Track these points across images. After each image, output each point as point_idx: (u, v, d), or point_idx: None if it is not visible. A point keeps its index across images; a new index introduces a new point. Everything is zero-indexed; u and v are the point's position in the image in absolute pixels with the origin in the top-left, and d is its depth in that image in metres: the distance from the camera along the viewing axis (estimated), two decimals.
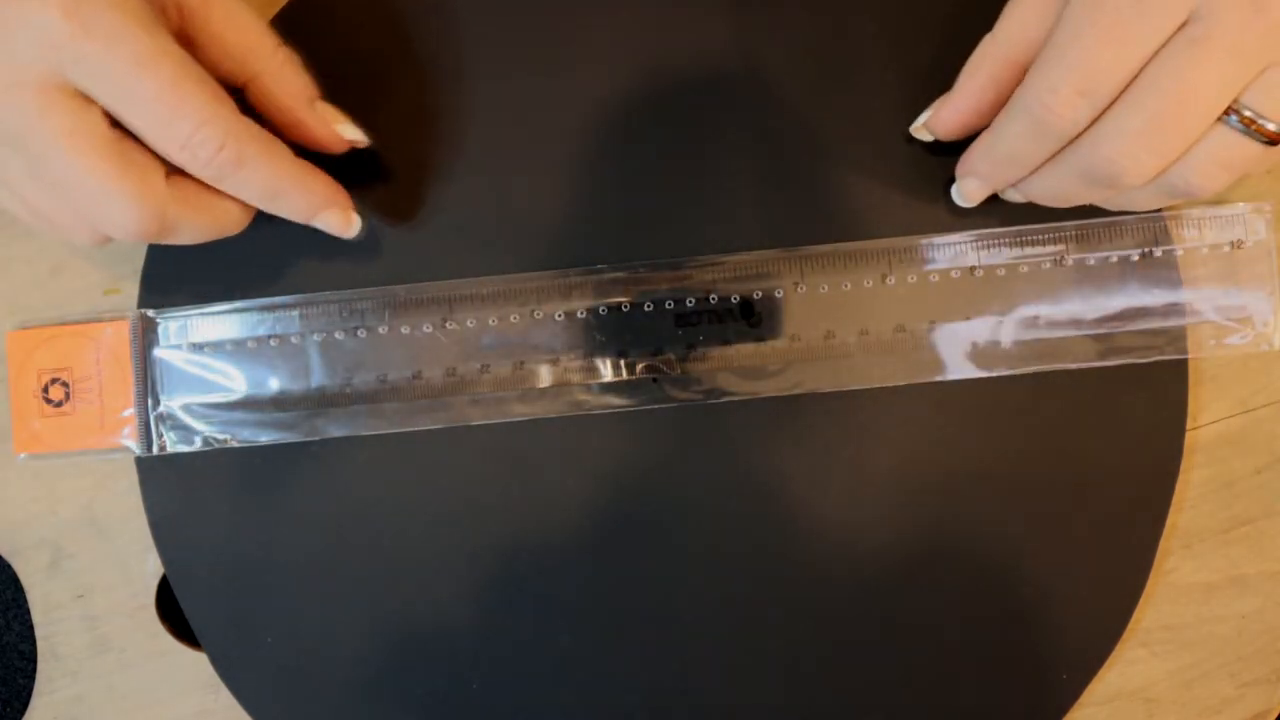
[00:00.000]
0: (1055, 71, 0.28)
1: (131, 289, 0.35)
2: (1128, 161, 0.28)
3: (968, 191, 0.33)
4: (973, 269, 0.34)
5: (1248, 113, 0.27)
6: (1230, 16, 0.26)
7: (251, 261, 0.35)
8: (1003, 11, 0.30)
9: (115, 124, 0.28)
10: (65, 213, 0.29)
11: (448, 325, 0.34)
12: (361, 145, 0.33)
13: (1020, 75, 0.30)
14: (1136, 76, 0.27)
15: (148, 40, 0.27)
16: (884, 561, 0.34)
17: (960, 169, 0.33)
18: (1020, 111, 0.29)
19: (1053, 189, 0.31)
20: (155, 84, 0.27)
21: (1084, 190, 0.30)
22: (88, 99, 0.27)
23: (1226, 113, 0.27)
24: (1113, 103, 0.28)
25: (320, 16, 0.35)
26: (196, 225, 0.30)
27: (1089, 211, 0.34)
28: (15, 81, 0.26)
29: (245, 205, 0.31)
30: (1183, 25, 0.27)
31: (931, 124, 0.33)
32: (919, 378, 0.34)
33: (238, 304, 0.34)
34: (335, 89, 0.35)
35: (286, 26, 0.35)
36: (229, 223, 0.31)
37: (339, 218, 0.32)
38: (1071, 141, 0.29)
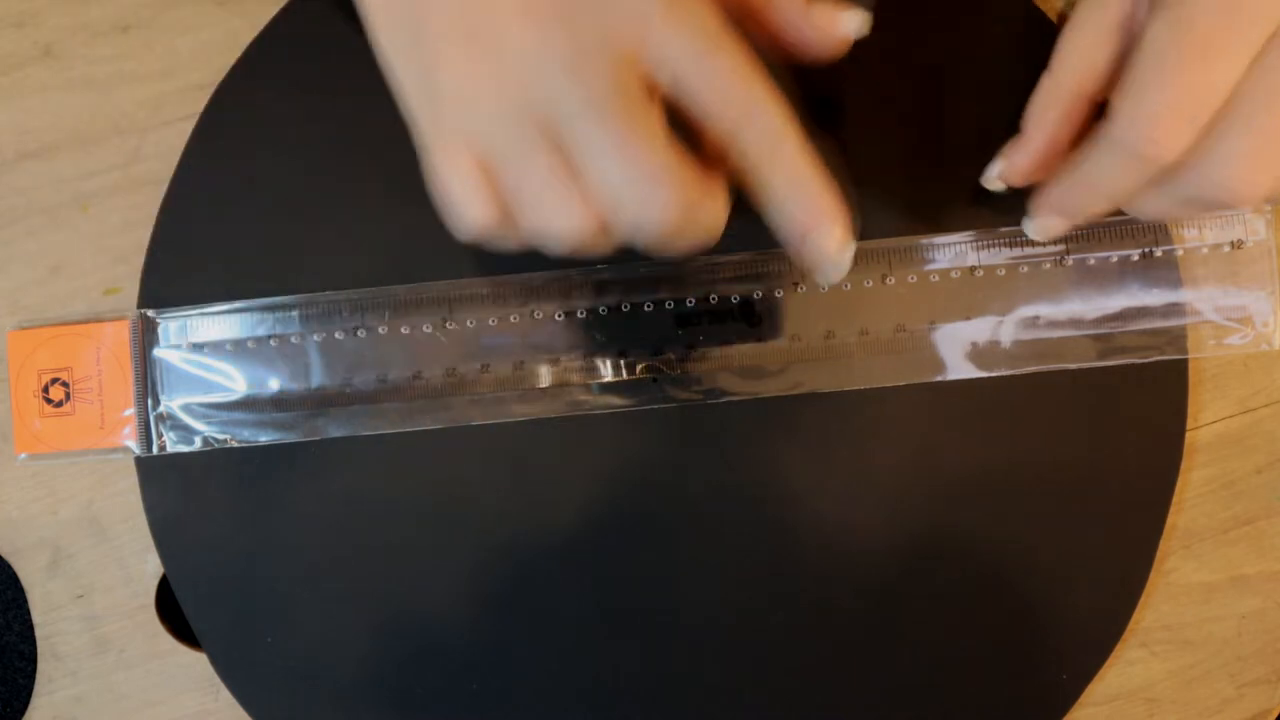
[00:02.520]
0: (1151, 98, 0.26)
1: (131, 289, 0.35)
2: (1242, 185, 0.27)
3: (1049, 228, 0.32)
4: (973, 269, 0.34)
5: None
6: None
7: (251, 261, 0.35)
8: (1058, 46, 0.29)
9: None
10: (569, 210, 0.26)
11: (448, 325, 0.34)
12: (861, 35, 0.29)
13: (1091, 108, 0.28)
14: (1235, 94, 0.26)
15: (718, 20, 0.25)
16: (884, 561, 0.34)
17: (1039, 207, 0.31)
18: (1114, 145, 0.27)
19: (1153, 211, 0.30)
20: (729, 62, 0.25)
21: (1190, 212, 0.29)
22: (653, 91, 0.25)
23: None
24: (1212, 124, 0.27)
25: (320, 16, 0.35)
26: (716, 220, 0.27)
27: None
28: (598, 48, 0.25)
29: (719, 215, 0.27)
30: (1275, 34, 0.26)
31: (1007, 175, 0.31)
32: (919, 378, 0.34)
33: (238, 304, 0.34)
34: (335, 88, 0.35)
35: (287, 25, 0.35)
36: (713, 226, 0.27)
37: (833, 246, 0.27)
38: (1173, 168, 0.27)
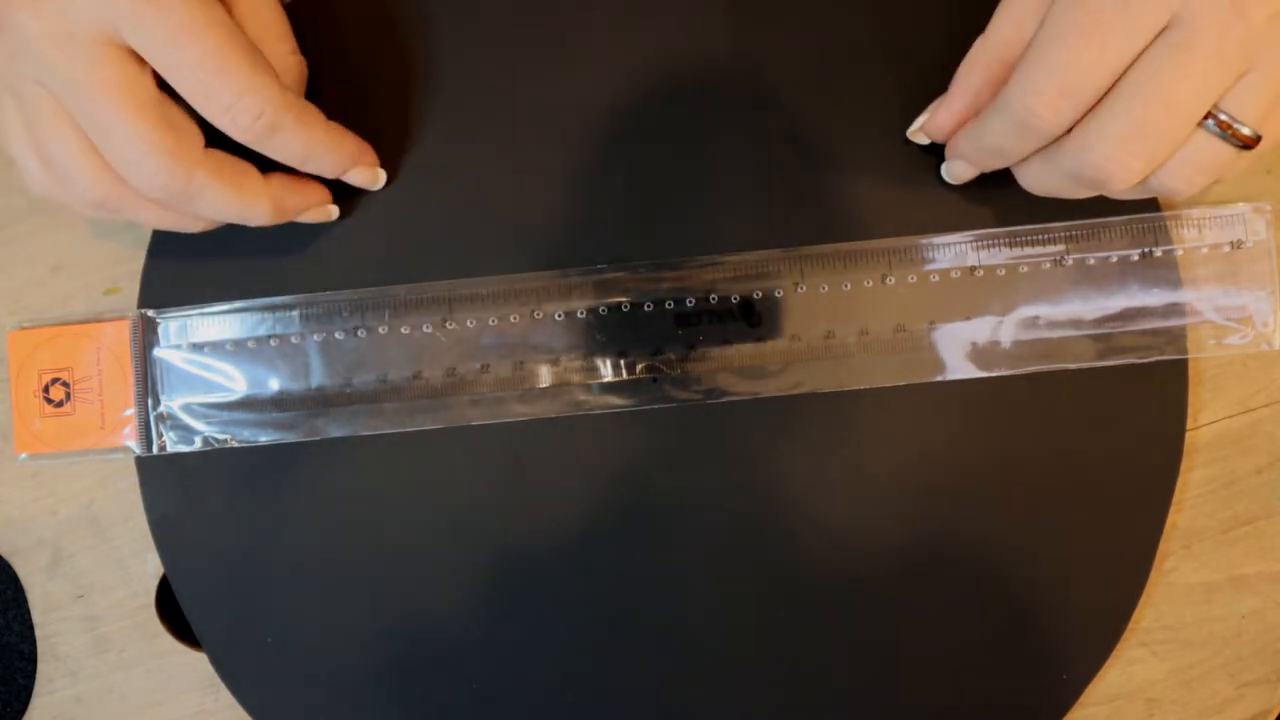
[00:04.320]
0: (1037, 72, 0.28)
1: (131, 289, 0.35)
2: (1114, 166, 0.28)
3: (956, 172, 0.33)
4: (973, 269, 0.34)
5: (1224, 117, 0.27)
6: (1212, 20, 0.26)
7: (251, 261, 0.35)
8: (995, 12, 0.30)
9: (162, 86, 0.29)
10: (86, 168, 0.29)
11: (448, 325, 0.34)
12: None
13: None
14: (1119, 80, 0.27)
15: (199, 8, 0.28)
16: (884, 561, 0.34)
17: (949, 150, 0.33)
18: (1003, 109, 0.29)
19: (1042, 184, 0.31)
20: (201, 50, 0.28)
21: (1072, 188, 0.30)
22: (140, 59, 0.29)
23: (1205, 117, 0.27)
24: (1096, 105, 0.28)
25: (319, 16, 0.35)
26: (221, 197, 0.30)
27: (1089, 211, 0.34)
28: (72, 33, 0.28)
29: (273, 199, 0.32)
30: (1164, 29, 0.27)
31: (928, 128, 0.33)
32: (919, 378, 0.34)
33: (238, 304, 0.34)
34: (334, 90, 0.35)
35: None
36: (253, 208, 0.31)
37: (366, 174, 0.34)
38: (1057, 141, 0.29)
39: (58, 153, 0.29)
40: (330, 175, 0.33)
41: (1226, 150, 0.28)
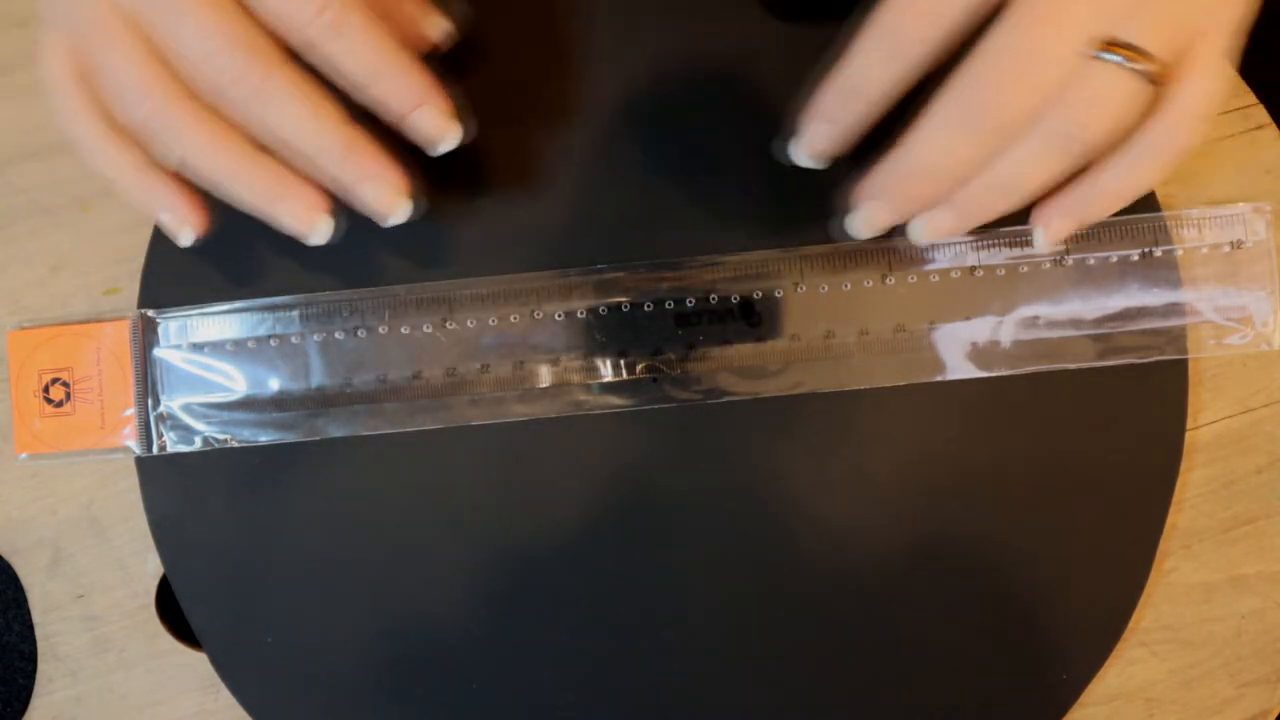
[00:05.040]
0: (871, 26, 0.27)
1: (131, 289, 0.35)
2: (1005, 98, 0.26)
3: (811, 142, 0.30)
4: (973, 269, 0.34)
5: (1130, 49, 0.26)
6: None
7: (251, 261, 0.35)
8: None
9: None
10: (137, 76, 0.28)
11: (448, 325, 0.34)
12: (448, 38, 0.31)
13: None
14: (1004, 6, 0.26)
15: None
16: (884, 561, 0.34)
17: (806, 113, 0.30)
18: (871, 27, 0.27)
19: (944, 155, 0.28)
20: None
21: (974, 151, 0.27)
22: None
23: (1108, 50, 0.26)
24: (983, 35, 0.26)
25: None
26: (295, 109, 0.28)
27: None
28: None
29: (346, 140, 0.29)
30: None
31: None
32: (919, 378, 0.34)
33: (238, 304, 0.34)
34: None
35: None
36: (325, 138, 0.28)
37: (436, 119, 0.29)
38: (946, 88, 0.27)
39: (109, 62, 0.28)
40: (396, 109, 0.29)
41: (1130, 81, 0.26)
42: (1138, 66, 0.26)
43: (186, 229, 0.31)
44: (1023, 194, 0.29)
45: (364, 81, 0.28)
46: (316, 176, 0.30)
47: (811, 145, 0.30)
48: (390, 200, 0.29)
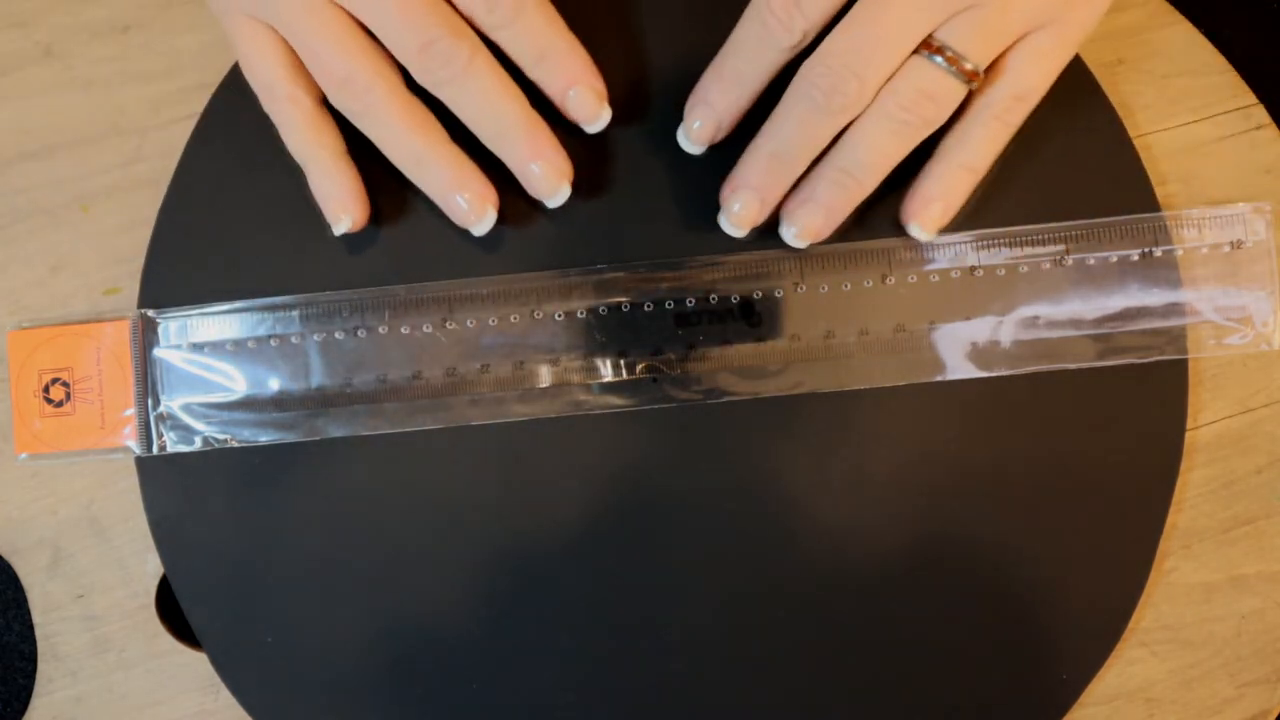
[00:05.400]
0: None
1: (131, 289, 0.35)
2: (834, 80, 0.30)
3: (701, 101, 0.33)
4: (973, 269, 0.34)
5: (940, 44, 0.30)
6: None
7: (251, 261, 0.35)
8: None
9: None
10: (354, 49, 0.31)
11: (448, 325, 0.34)
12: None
13: None
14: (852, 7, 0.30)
15: None
16: (884, 561, 0.34)
17: (690, 100, 0.33)
18: (747, 16, 0.31)
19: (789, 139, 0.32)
20: None
21: (820, 130, 0.31)
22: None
23: (931, 51, 0.30)
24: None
25: None
26: (492, 90, 0.31)
27: (1089, 211, 0.34)
28: None
29: (533, 124, 0.32)
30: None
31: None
32: (919, 378, 0.34)
33: (238, 304, 0.34)
34: None
35: None
36: (518, 124, 0.32)
37: (591, 99, 0.33)
38: (801, 70, 0.31)
39: (320, 46, 0.31)
40: (558, 85, 0.32)
41: (947, 79, 0.31)
42: (953, 69, 0.31)
43: (347, 220, 0.33)
44: (869, 175, 0.32)
45: (533, 60, 0.32)
46: (496, 153, 0.33)
47: (696, 132, 0.33)
48: (556, 181, 0.33)
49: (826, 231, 0.33)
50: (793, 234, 0.33)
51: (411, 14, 0.30)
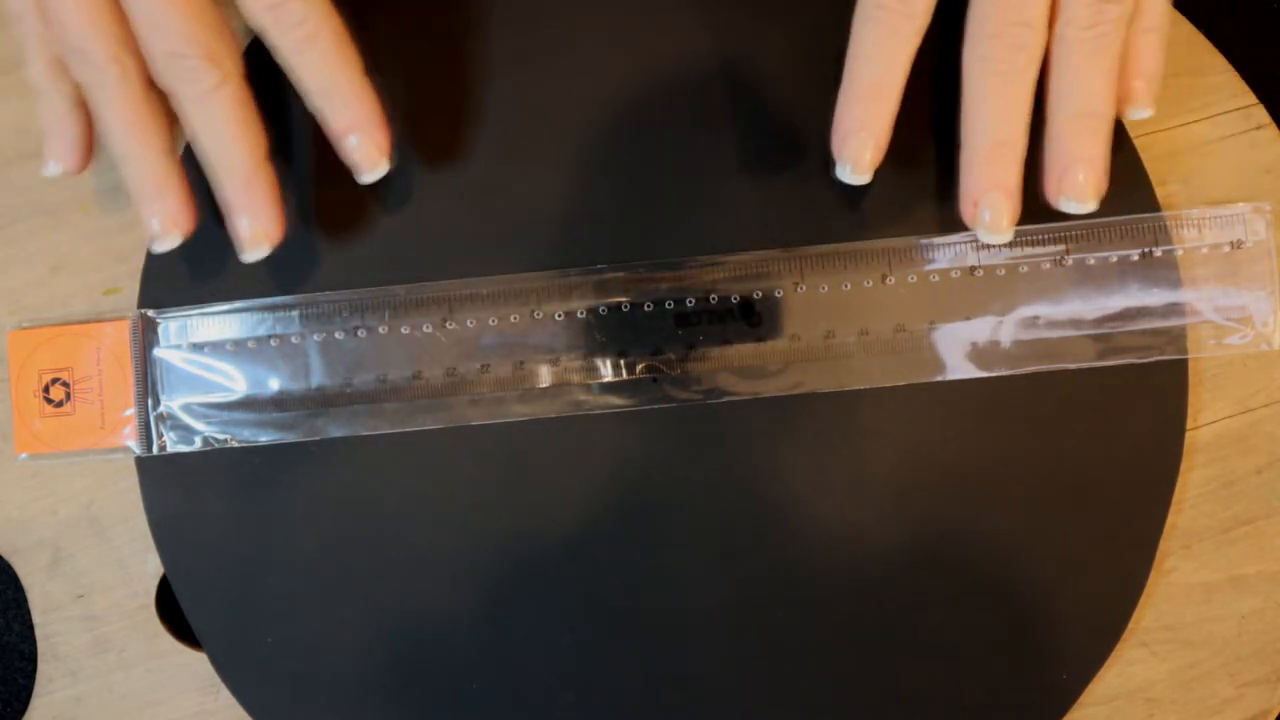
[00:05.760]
0: None
1: (131, 289, 0.35)
2: (1007, 37, 0.29)
3: (847, 131, 0.32)
4: (973, 269, 0.34)
5: None
6: None
7: (252, 261, 0.35)
8: None
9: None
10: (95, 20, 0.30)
11: (448, 325, 0.34)
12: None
13: None
14: None
15: None
16: (884, 561, 0.34)
17: (836, 133, 0.32)
18: (862, 20, 0.31)
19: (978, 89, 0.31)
20: None
21: (1015, 91, 0.30)
22: None
23: None
24: None
25: None
26: (233, 124, 0.31)
27: (1089, 211, 0.34)
28: None
29: (261, 156, 0.31)
30: None
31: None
32: (919, 378, 0.34)
33: (238, 304, 0.34)
34: None
35: None
36: (248, 155, 0.31)
37: (369, 150, 0.31)
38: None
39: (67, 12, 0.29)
40: (336, 127, 0.31)
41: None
42: None
43: (175, 235, 0.32)
44: (1105, 104, 0.30)
45: (317, 94, 0.31)
46: (218, 195, 0.32)
47: (858, 158, 0.31)
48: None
49: (1105, 184, 0.31)
50: (1075, 206, 0.31)
51: (175, 22, 0.29)
